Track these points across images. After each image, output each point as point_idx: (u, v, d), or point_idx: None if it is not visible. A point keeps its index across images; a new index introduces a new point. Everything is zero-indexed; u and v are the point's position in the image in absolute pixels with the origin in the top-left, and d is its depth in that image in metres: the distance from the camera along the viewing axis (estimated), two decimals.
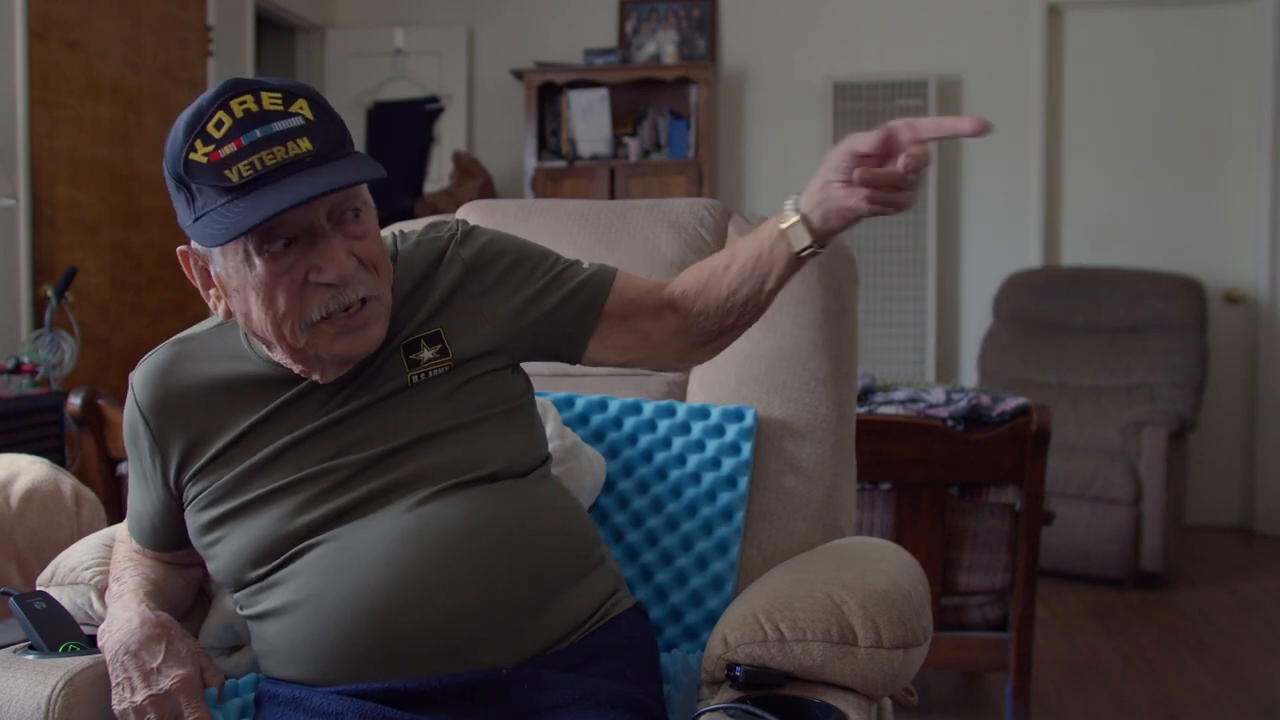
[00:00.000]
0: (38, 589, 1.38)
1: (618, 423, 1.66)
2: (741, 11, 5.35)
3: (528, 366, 1.39)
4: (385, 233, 1.35)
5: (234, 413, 1.26)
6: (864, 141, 1.14)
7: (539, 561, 1.22)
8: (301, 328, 1.17)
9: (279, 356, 1.24)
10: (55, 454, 3.19)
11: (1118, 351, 4.63)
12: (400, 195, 5.28)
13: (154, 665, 1.17)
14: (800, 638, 1.22)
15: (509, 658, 1.17)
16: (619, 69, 5.11)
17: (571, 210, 1.87)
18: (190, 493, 1.27)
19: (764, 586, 1.36)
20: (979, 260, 5.21)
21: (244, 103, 1.12)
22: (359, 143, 1.23)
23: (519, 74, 5.24)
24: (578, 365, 1.38)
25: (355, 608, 1.16)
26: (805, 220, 1.21)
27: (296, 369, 1.24)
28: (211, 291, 1.23)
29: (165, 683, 1.16)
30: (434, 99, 5.49)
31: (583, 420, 1.67)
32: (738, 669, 1.22)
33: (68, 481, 2.03)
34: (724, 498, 1.58)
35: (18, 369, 3.21)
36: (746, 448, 1.60)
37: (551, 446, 1.49)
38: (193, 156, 1.12)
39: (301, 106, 1.15)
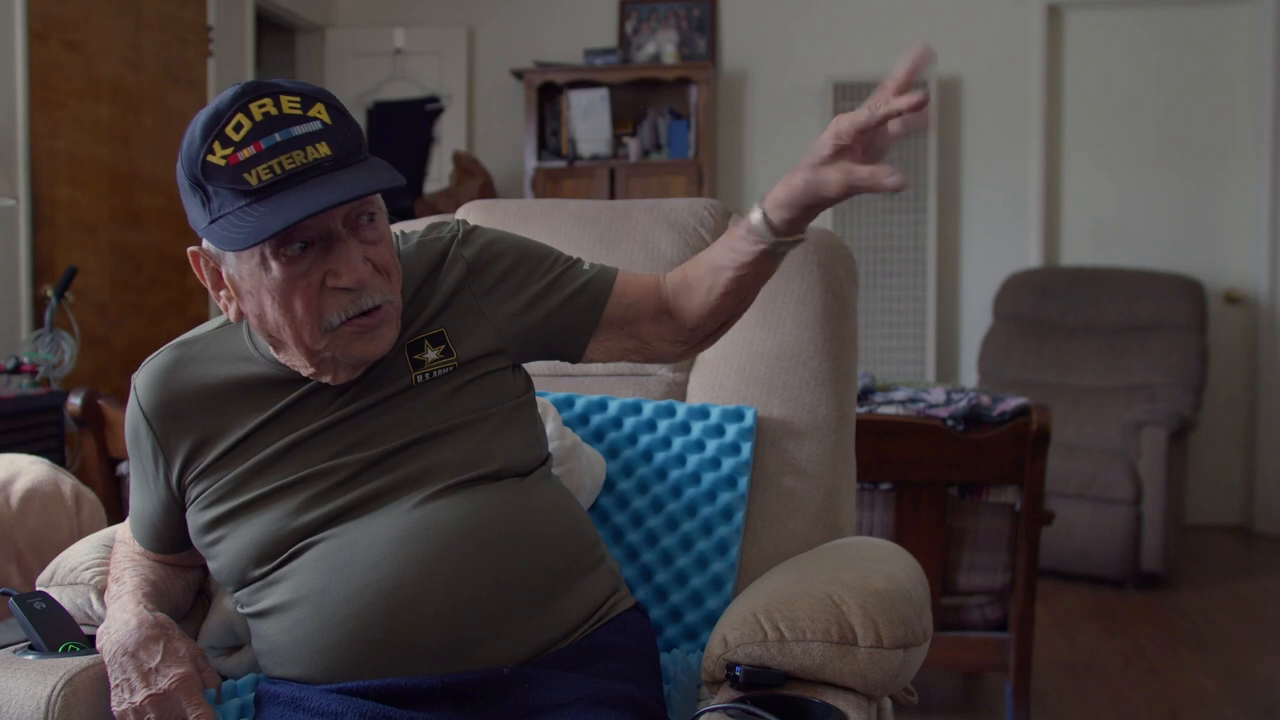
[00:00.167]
0: (38, 589, 1.38)
1: (618, 423, 1.66)
2: (741, 11, 5.35)
3: (528, 366, 1.39)
4: (393, 242, 1.35)
5: (238, 414, 1.26)
6: (847, 120, 1.13)
7: (540, 561, 1.22)
8: (321, 331, 1.18)
9: (285, 358, 1.24)
10: (55, 454, 3.19)
11: (1118, 351, 4.63)
12: (400, 195, 5.27)
13: (152, 665, 1.17)
14: (800, 638, 1.22)
15: (509, 657, 1.17)
16: (619, 69, 5.11)
17: (571, 210, 1.87)
18: (193, 492, 1.27)
19: (764, 586, 1.36)
20: (979, 260, 5.21)
21: (263, 106, 1.12)
22: (369, 154, 1.24)
23: (519, 74, 5.24)
24: (579, 363, 1.39)
25: (357, 605, 1.16)
26: (765, 215, 1.22)
27: (307, 372, 1.24)
28: (223, 293, 1.23)
29: (164, 683, 1.16)
30: (434, 99, 5.49)
31: (583, 420, 1.67)
32: (738, 669, 1.22)
33: (68, 481, 2.03)
34: (724, 498, 1.58)
35: (18, 369, 3.21)
36: (746, 448, 1.60)
37: (551, 446, 1.49)
38: (210, 158, 1.12)
39: (320, 111, 1.15)
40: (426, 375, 1.26)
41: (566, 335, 1.35)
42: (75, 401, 2.49)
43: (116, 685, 1.17)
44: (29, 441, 3.07)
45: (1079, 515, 4.04)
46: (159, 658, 1.18)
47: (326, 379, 1.24)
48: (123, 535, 1.42)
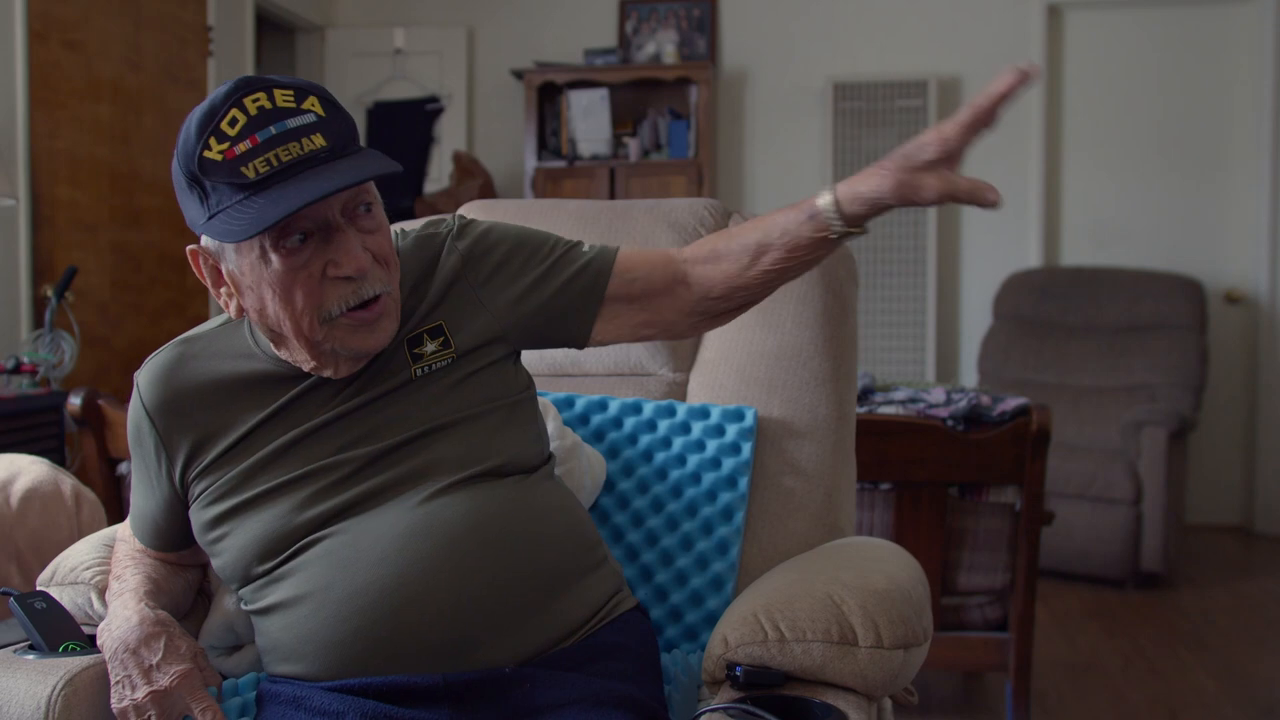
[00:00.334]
0: (38, 589, 1.38)
1: (618, 423, 1.66)
2: (741, 11, 5.35)
3: (529, 366, 1.39)
4: (391, 233, 1.35)
5: (240, 410, 1.26)
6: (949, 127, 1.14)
7: (543, 561, 1.22)
8: (320, 322, 1.18)
9: (287, 354, 1.25)
10: (55, 454, 3.19)
11: (1118, 351, 4.63)
12: (400, 195, 5.28)
13: (153, 662, 1.17)
14: (800, 638, 1.22)
15: (511, 656, 1.17)
16: (619, 69, 5.11)
17: (571, 210, 1.87)
18: (196, 489, 1.27)
19: (764, 586, 1.36)
20: (979, 260, 5.21)
21: (257, 100, 1.13)
22: (362, 144, 1.25)
23: (519, 74, 5.24)
24: (586, 347, 1.37)
25: (361, 603, 1.16)
26: (839, 203, 1.21)
27: (309, 366, 1.24)
28: (223, 290, 1.23)
29: (165, 679, 1.16)
30: (434, 99, 5.49)
31: (583, 420, 1.67)
32: (738, 669, 1.22)
33: (68, 481, 2.03)
34: (724, 498, 1.58)
35: (18, 369, 3.21)
36: (746, 448, 1.60)
37: (551, 446, 1.49)
38: (207, 154, 1.12)
39: (313, 104, 1.16)
40: (426, 368, 1.26)
41: (569, 318, 1.34)
42: (75, 401, 2.49)
43: (117, 682, 1.17)
44: (29, 441, 3.07)
45: (1079, 515, 4.04)
46: (160, 654, 1.18)
47: (328, 373, 1.24)
48: (124, 534, 1.42)
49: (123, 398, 1.98)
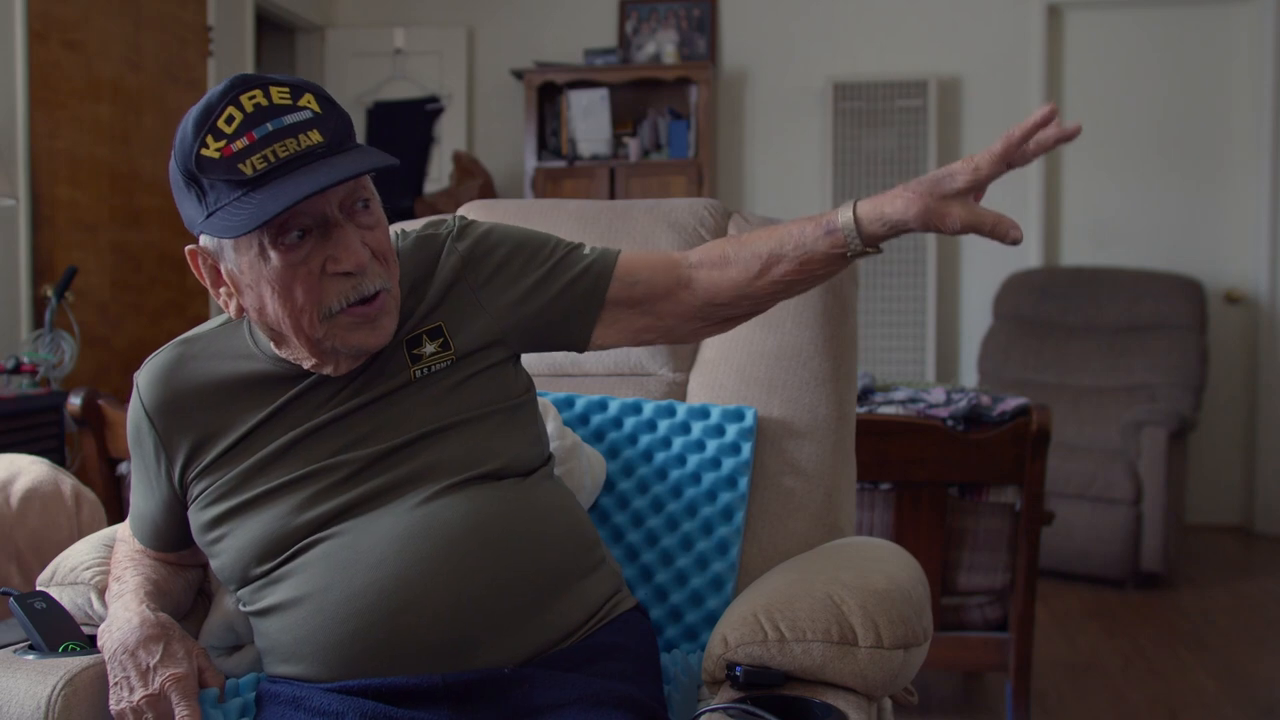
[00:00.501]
0: (38, 589, 1.38)
1: (618, 423, 1.66)
2: (741, 11, 5.35)
3: (529, 367, 1.38)
4: (389, 229, 1.35)
5: (240, 411, 1.26)
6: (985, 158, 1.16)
7: (542, 562, 1.22)
8: (320, 319, 1.18)
9: (287, 353, 1.25)
10: (55, 454, 3.19)
11: (1118, 351, 4.63)
12: (400, 195, 5.28)
13: (151, 664, 1.17)
14: (800, 638, 1.22)
15: (510, 657, 1.17)
16: (619, 69, 5.11)
17: (571, 210, 1.87)
18: (195, 490, 1.27)
19: (764, 586, 1.36)
20: (979, 260, 5.21)
21: (253, 97, 1.13)
22: (360, 142, 1.24)
23: (519, 74, 5.24)
24: (586, 351, 1.37)
25: (359, 604, 1.16)
26: (859, 222, 1.21)
27: (309, 364, 1.24)
28: (222, 289, 1.23)
29: (159, 682, 1.16)
30: (434, 99, 5.49)
31: (583, 420, 1.67)
32: (738, 669, 1.22)
33: (68, 481, 2.03)
34: (724, 498, 1.58)
35: (18, 369, 3.21)
36: (746, 448, 1.60)
37: (552, 446, 1.49)
38: (204, 152, 1.12)
39: (309, 100, 1.16)
40: (425, 370, 1.26)
41: (569, 322, 1.33)
42: (75, 401, 2.49)
43: (115, 684, 1.17)
44: (29, 441, 3.07)
45: (1079, 515, 4.04)
46: (158, 657, 1.18)
47: (328, 370, 1.24)
48: (123, 534, 1.42)
49: (123, 398, 1.98)
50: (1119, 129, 5.13)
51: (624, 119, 5.17)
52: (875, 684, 1.23)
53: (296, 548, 1.21)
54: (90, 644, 1.24)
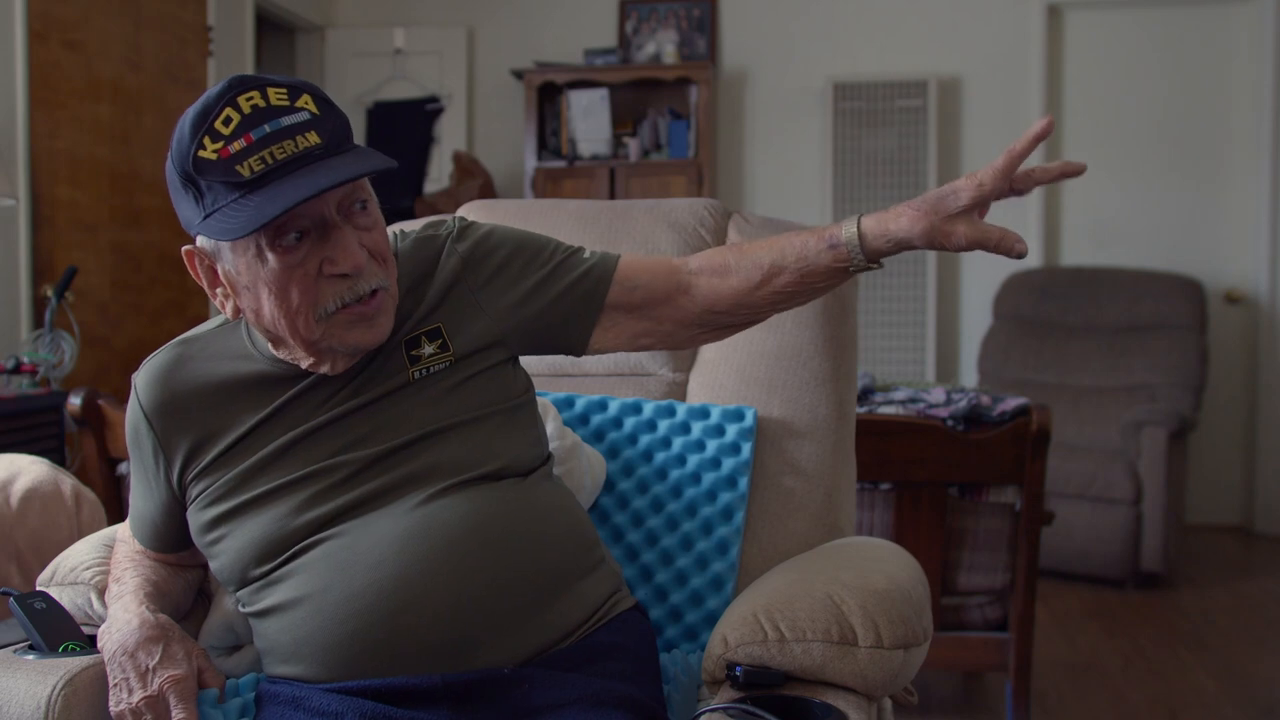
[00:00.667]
0: (38, 589, 1.38)
1: (618, 423, 1.66)
2: (741, 11, 5.35)
3: (528, 367, 1.38)
4: (386, 230, 1.35)
5: (238, 412, 1.26)
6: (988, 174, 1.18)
7: (541, 561, 1.22)
8: (316, 319, 1.18)
9: (284, 354, 1.25)
10: (55, 454, 3.19)
11: (1118, 351, 4.63)
12: (400, 195, 5.28)
13: (150, 665, 1.17)
14: (800, 638, 1.22)
15: (510, 657, 1.17)
16: (619, 69, 5.11)
17: (571, 210, 1.87)
18: (193, 491, 1.27)
19: (764, 586, 1.36)
20: (979, 260, 5.21)
21: (251, 99, 1.13)
22: (359, 143, 1.25)
23: (519, 74, 5.24)
24: (584, 355, 1.37)
25: (358, 605, 1.16)
26: (862, 237, 1.22)
27: (306, 363, 1.24)
28: (219, 290, 1.23)
29: (158, 684, 1.16)
30: (434, 99, 5.49)
31: (583, 420, 1.67)
32: (738, 669, 1.22)
33: (68, 481, 2.03)
34: (724, 498, 1.58)
35: (18, 369, 3.21)
36: (746, 448, 1.60)
37: (552, 446, 1.49)
38: (201, 154, 1.12)
39: (306, 101, 1.16)
40: (423, 371, 1.26)
41: (568, 325, 1.34)
42: (75, 401, 2.49)
43: (115, 685, 1.17)
44: (29, 441, 3.07)
45: (1079, 515, 4.04)
46: (157, 658, 1.18)
47: (325, 369, 1.24)
48: (123, 534, 1.42)
49: (122, 398, 1.98)
50: (1119, 129, 5.13)
51: (624, 119, 5.17)
52: (875, 684, 1.23)
53: (296, 549, 1.21)
54: (90, 644, 1.24)
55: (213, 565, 1.27)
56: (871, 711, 1.25)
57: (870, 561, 1.39)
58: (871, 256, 1.23)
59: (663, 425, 1.65)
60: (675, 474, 1.61)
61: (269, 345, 1.26)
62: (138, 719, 1.15)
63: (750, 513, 1.59)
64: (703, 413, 1.65)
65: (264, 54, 5.43)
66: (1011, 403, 2.55)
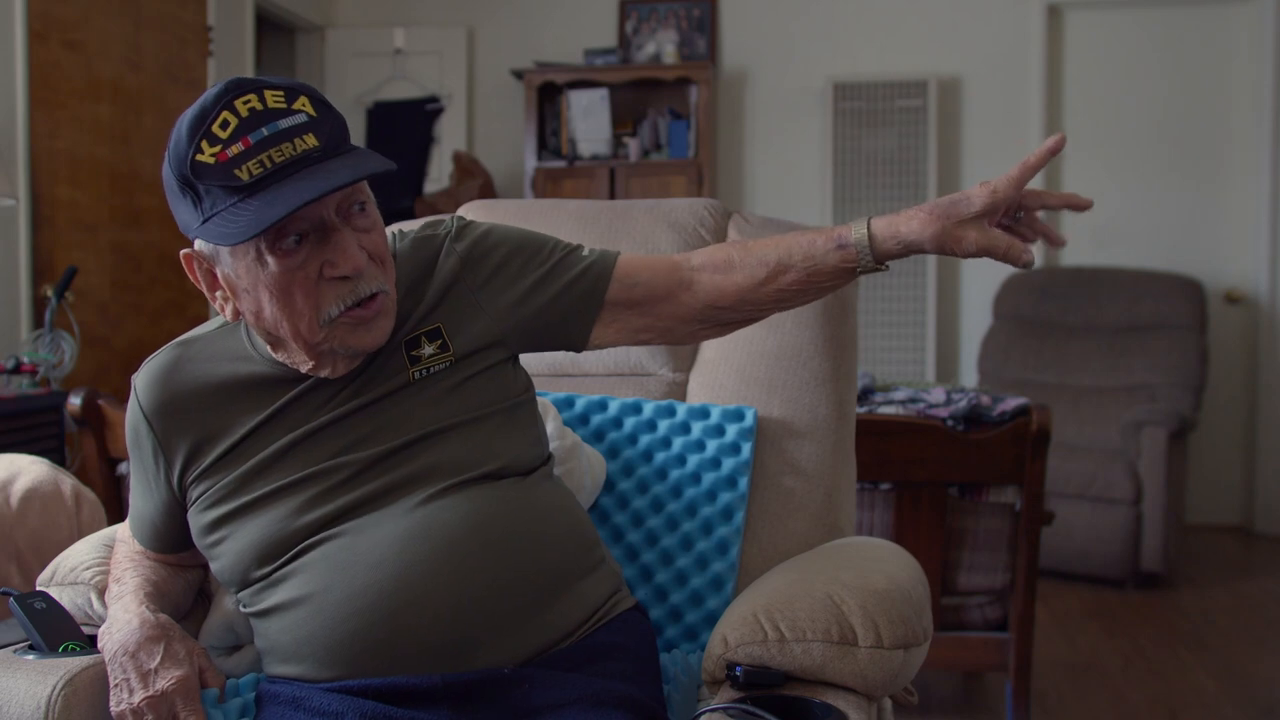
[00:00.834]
0: (38, 589, 1.38)
1: (618, 423, 1.66)
2: (741, 11, 5.35)
3: (528, 367, 1.38)
4: (385, 232, 1.35)
5: (238, 413, 1.26)
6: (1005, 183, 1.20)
7: (541, 562, 1.22)
8: (320, 323, 1.18)
9: (284, 356, 1.25)
10: (55, 454, 3.19)
11: (1118, 351, 4.63)
12: (400, 195, 5.28)
13: (151, 666, 1.17)
14: (800, 638, 1.22)
15: (510, 657, 1.17)
16: (619, 69, 5.11)
17: (571, 210, 1.87)
18: (194, 493, 1.27)
19: (764, 586, 1.36)
20: (979, 260, 5.19)
21: (248, 102, 1.13)
22: (359, 143, 1.25)
23: (519, 74, 5.24)
24: (584, 351, 1.37)
25: (359, 605, 1.16)
26: (872, 239, 1.23)
27: (306, 367, 1.24)
28: (218, 294, 1.22)
29: (162, 684, 1.16)
30: (434, 99, 5.49)
31: (583, 420, 1.67)
32: (738, 669, 1.22)
33: (68, 481, 2.03)
34: (724, 498, 1.58)
35: (18, 369, 3.21)
36: (746, 448, 1.60)
37: (552, 446, 1.49)
38: (199, 158, 1.12)
39: (304, 104, 1.15)
40: (424, 371, 1.26)
41: (568, 323, 1.34)
42: (75, 401, 2.49)
43: (115, 685, 1.17)
44: (29, 441, 3.07)
45: (1079, 515, 4.04)
46: (158, 659, 1.18)
47: (325, 372, 1.24)
48: (123, 535, 1.42)
49: (122, 398, 1.98)
50: (1119, 129, 5.13)
51: (624, 119, 5.17)
52: (875, 684, 1.23)
53: (296, 550, 1.20)
54: (90, 644, 1.24)
55: (214, 566, 1.27)
56: (871, 711, 1.25)
57: (870, 561, 1.39)
58: (880, 258, 1.24)
59: (663, 425, 1.65)
60: (675, 474, 1.61)
61: (268, 348, 1.26)
62: (139, 719, 1.15)
63: (750, 513, 1.59)
64: (703, 413, 1.65)
65: (264, 54, 5.43)
66: (1011, 403, 2.55)
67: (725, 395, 1.69)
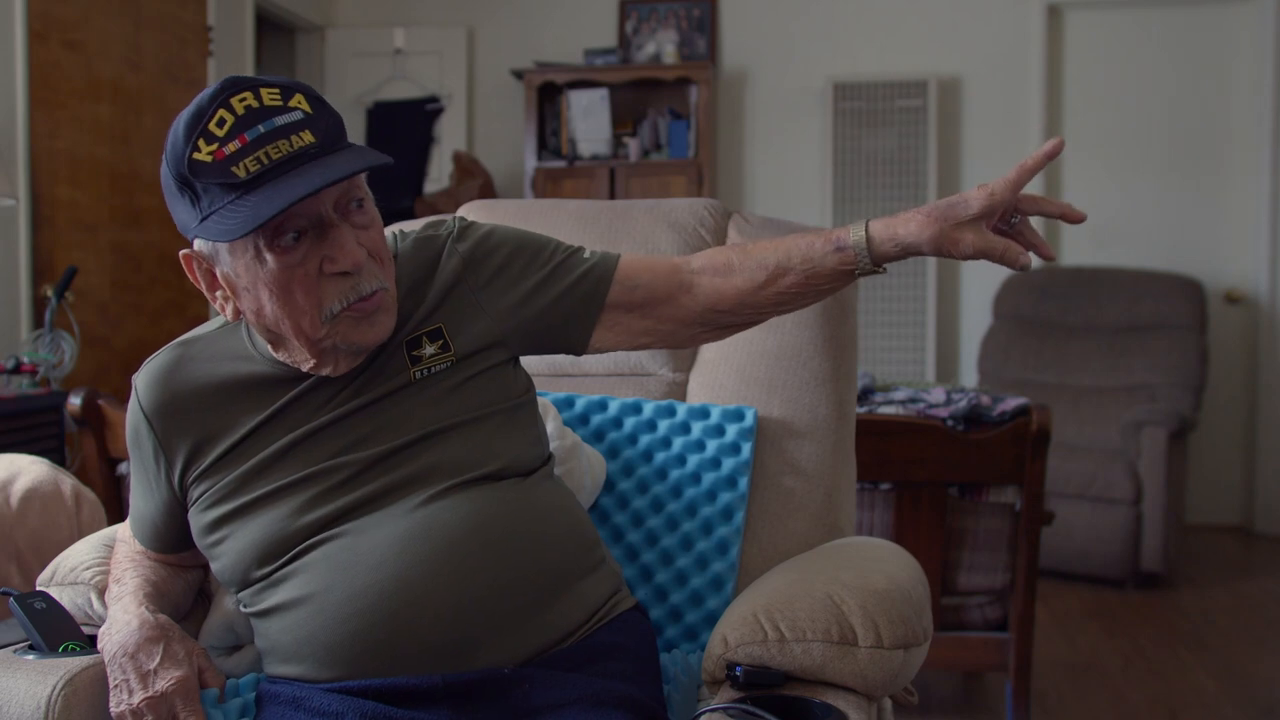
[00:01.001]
0: (38, 589, 1.38)
1: (618, 423, 1.66)
2: (741, 11, 5.35)
3: (528, 366, 1.38)
4: (385, 231, 1.35)
5: (239, 413, 1.26)
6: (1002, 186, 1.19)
7: (542, 562, 1.22)
8: (322, 320, 1.18)
9: (285, 355, 1.25)
10: (55, 454, 3.19)
11: (1118, 351, 4.63)
12: (400, 195, 5.28)
13: (151, 667, 1.17)
14: (800, 638, 1.22)
15: (510, 657, 1.17)
16: (619, 69, 5.11)
17: (571, 210, 1.87)
18: (194, 493, 1.27)
19: (764, 586, 1.36)
20: (978, 261, 5.19)
21: (244, 100, 1.13)
22: (359, 143, 1.26)
23: (519, 74, 5.24)
24: (585, 354, 1.37)
25: (360, 605, 1.16)
26: (871, 241, 1.23)
27: (307, 365, 1.24)
28: (218, 293, 1.22)
29: (161, 685, 1.16)
30: (434, 99, 5.49)
31: (583, 420, 1.67)
32: (738, 669, 1.22)
33: (68, 481, 2.03)
34: (724, 498, 1.58)
35: (18, 369, 3.21)
36: (746, 448, 1.60)
37: (551, 446, 1.49)
38: (196, 156, 1.12)
39: (299, 101, 1.16)
40: (424, 371, 1.26)
41: (568, 325, 1.34)
42: (75, 401, 2.49)
43: (115, 686, 1.17)
44: (29, 441, 3.07)
45: (1079, 515, 4.04)
46: (158, 659, 1.18)
47: (327, 370, 1.24)
48: (123, 535, 1.42)
49: (123, 398, 1.98)
50: (1119, 129, 5.13)
51: (624, 119, 5.17)
52: (875, 684, 1.23)
53: (297, 550, 1.21)
54: (90, 644, 1.24)
55: (214, 566, 1.27)
56: (871, 711, 1.25)
57: (870, 561, 1.39)
58: (878, 260, 1.24)
59: (663, 425, 1.65)
60: (675, 474, 1.61)
61: (269, 347, 1.26)
62: (138, 719, 1.15)
63: (750, 513, 1.59)
64: (703, 413, 1.65)
65: (264, 54, 5.43)
66: (1011, 403, 2.55)
67: (725, 395, 1.69)
